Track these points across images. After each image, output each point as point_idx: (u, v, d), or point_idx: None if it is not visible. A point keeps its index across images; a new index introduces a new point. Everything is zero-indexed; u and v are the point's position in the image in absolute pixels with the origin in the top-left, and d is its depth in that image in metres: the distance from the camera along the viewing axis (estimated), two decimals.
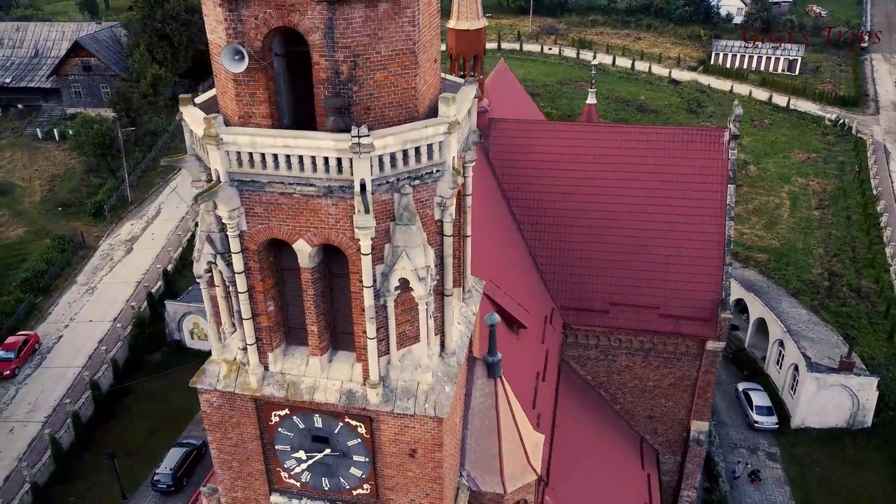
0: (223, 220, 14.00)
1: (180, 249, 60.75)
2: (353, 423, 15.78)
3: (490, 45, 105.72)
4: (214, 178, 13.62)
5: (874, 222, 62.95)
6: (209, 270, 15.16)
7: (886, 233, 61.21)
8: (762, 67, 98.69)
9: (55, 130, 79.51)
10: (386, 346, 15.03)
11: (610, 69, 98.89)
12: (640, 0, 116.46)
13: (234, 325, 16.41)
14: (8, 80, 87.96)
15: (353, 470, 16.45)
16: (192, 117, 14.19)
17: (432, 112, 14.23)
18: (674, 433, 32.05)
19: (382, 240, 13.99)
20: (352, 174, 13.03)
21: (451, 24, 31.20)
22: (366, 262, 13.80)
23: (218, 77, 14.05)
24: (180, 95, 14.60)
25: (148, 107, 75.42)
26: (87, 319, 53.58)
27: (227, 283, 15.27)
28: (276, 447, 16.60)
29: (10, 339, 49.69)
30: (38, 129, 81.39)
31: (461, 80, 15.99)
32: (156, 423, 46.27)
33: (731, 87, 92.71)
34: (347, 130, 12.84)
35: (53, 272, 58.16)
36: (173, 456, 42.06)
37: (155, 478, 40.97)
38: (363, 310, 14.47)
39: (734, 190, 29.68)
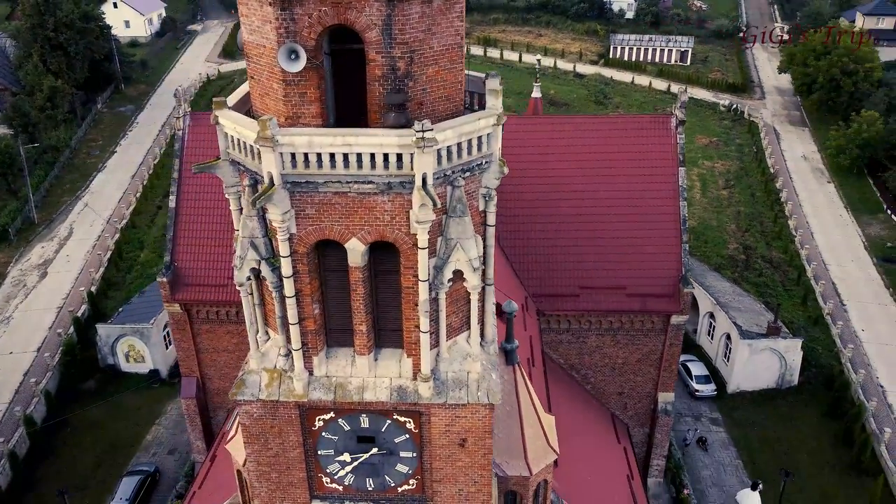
0: (274, 224, 13.72)
1: (102, 269, 57.38)
2: (402, 419, 15.85)
3: None
4: (266, 180, 13.33)
5: (776, 198, 68.10)
6: (250, 278, 14.80)
7: (787, 207, 66.39)
8: (657, 59, 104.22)
9: None
10: (436, 338, 15.20)
11: (517, 65, 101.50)
12: None
13: (267, 332, 16.09)
14: None
15: (399, 467, 16.50)
16: (233, 121, 13.82)
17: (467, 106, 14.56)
18: (642, 406, 33.70)
19: (435, 233, 14.16)
20: (412, 169, 13.14)
21: None
22: (422, 256, 13.94)
23: (257, 79, 13.77)
24: (215, 99, 14.15)
25: (46, 121, 70.64)
26: (6, 352, 49.66)
27: (268, 289, 14.96)
28: (319, 452, 16.41)
29: None
30: None
31: (482, 75, 16.33)
32: (100, 454, 43.61)
33: (633, 78, 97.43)
34: (405, 126, 12.95)
35: None
36: (127, 486, 39.80)
37: None
38: (415, 304, 14.59)
39: (685, 172, 31.56)
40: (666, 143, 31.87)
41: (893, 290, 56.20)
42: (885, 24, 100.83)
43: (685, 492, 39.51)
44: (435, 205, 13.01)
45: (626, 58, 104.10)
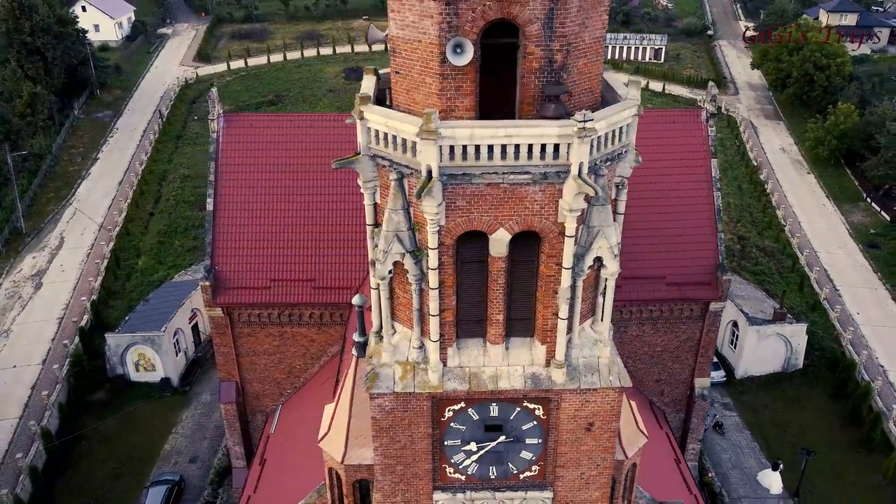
0: (426, 216, 13.89)
1: (100, 278, 56.02)
2: (531, 406, 16.18)
3: (377, 48, 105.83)
4: (424, 173, 13.49)
5: (762, 189, 70.25)
6: (392, 271, 14.93)
7: (774, 197, 68.55)
8: (633, 57, 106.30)
9: None
10: (569, 325, 15.55)
11: None
12: None
13: (393, 326, 16.23)
14: None
15: (523, 453, 16.82)
16: (384, 116, 13.92)
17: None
18: (679, 392, 34.56)
19: (578, 222, 14.51)
20: (567, 159, 13.48)
21: None
22: (569, 244, 14.29)
23: (405, 74, 13.92)
24: (358, 95, 14.20)
25: (26, 127, 68.58)
26: (9, 366, 48.16)
27: (402, 283, 15.11)
28: (446, 443, 16.62)
29: None
30: None
31: None
32: (118, 466, 42.64)
33: None
34: (563, 117, 13.29)
35: None
36: (155, 496, 39.03)
37: None
38: (554, 292, 14.94)
39: (717, 163, 32.52)
40: (697, 136, 32.78)
41: (881, 274, 58.55)
42: (848, 20, 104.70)
43: (709, 475, 40.63)
44: (596, 193, 13.38)
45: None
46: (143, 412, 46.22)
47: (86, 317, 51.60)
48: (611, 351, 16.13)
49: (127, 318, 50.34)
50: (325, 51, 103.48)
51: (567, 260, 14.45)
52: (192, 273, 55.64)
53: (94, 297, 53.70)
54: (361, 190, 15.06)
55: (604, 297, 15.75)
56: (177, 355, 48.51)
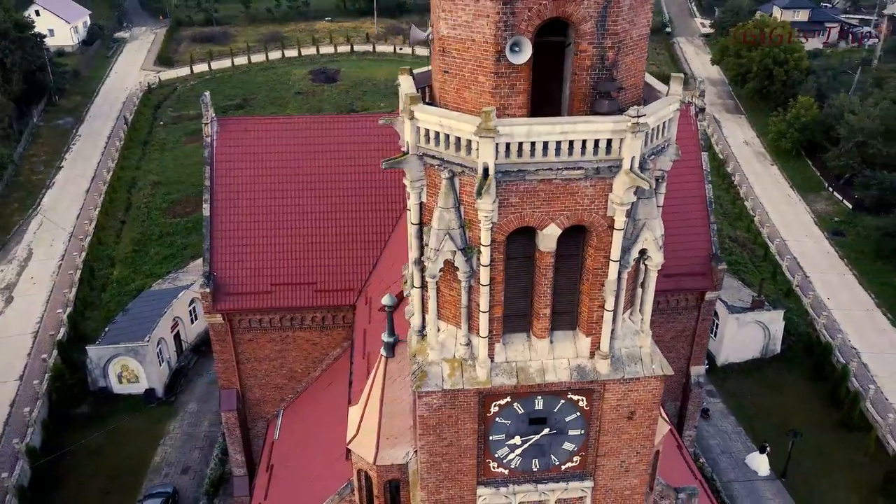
0: (481, 213, 14.03)
1: (75, 289, 54.49)
2: (575, 397, 16.46)
3: (342, 49, 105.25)
4: (481, 171, 13.64)
5: (730, 182, 72.16)
6: (442, 269, 15.02)
7: (742, 189, 70.51)
8: None
9: None
10: (613, 316, 15.87)
11: None
12: None
13: (437, 324, 16.33)
14: None
15: (566, 445, 17.10)
16: (437, 115, 14.00)
17: None
18: (674, 381, 35.37)
19: (626, 215, 14.81)
20: (619, 153, 13.79)
21: None
22: (617, 237, 14.61)
23: (455, 73, 14.03)
24: (409, 95, 14.22)
25: None
26: None
27: (449, 281, 15.23)
28: (490, 438, 16.79)
29: None
30: None
31: None
32: (106, 482, 41.59)
33: None
34: (616, 113, 13.59)
35: None
36: None
37: None
38: (601, 285, 15.24)
39: (708, 157, 33.38)
40: (688, 130, 33.60)
41: (847, 261, 60.76)
42: (801, 16, 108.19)
43: (700, 460, 41.66)
44: (650, 186, 13.71)
45: None
46: (129, 425, 45.18)
47: (63, 329, 50.14)
48: (651, 341, 16.53)
49: (106, 329, 49.06)
50: (291, 53, 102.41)
51: (615, 253, 14.76)
52: (171, 281, 54.58)
53: (69, 308, 52.21)
54: (408, 189, 15.11)
55: (644, 288, 16.12)
56: (161, 365, 47.59)
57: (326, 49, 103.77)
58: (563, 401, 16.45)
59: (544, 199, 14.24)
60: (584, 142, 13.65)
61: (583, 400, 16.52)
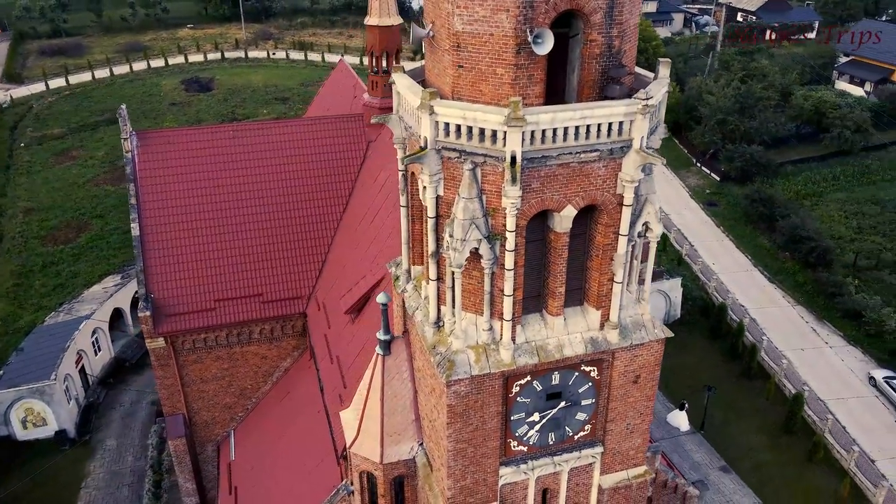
0: (509, 200, 14.58)
1: None
2: (588, 368, 17.45)
3: (212, 56, 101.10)
4: (509, 159, 14.19)
5: None
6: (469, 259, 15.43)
7: None
8: None
9: None
10: (621, 288, 16.97)
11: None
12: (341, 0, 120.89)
13: (453, 313, 16.73)
14: None
15: (578, 415, 18.07)
16: (459, 108, 14.36)
17: None
18: None
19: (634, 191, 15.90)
20: (630, 134, 14.85)
21: (369, 20, 31.70)
22: (626, 212, 15.70)
23: (470, 67, 14.47)
24: (426, 91, 14.44)
25: None
26: None
27: (471, 269, 15.69)
28: (512, 418, 17.43)
29: None
30: None
31: None
32: None
33: None
34: (625, 97, 14.63)
35: None
36: None
37: None
38: (611, 259, 16.29)
39: None
40: None
41: (723, 227, 66.69)
42: (650, 7, 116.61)
43: None
44: (663, 162, 14.85)
45: None
46: (44, 472, 41.56)
47: None
48: (648, 308, 17.82)
49: (0, 371, 44.76)
50: (157, 63, 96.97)
51: (624, 227, 15.84)
52: (67, 312, 50.51)
53: None
54: (425, 184, 15.36)
55: (644, 261, 17.36)
56: (69, 403, 44.14)
57: (195, 57, 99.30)
58: (576, 373, 17.36)
59: (563, 182, 15.03)
60: (598, 125, 14.56)
61: (594, 370, 17.51)
